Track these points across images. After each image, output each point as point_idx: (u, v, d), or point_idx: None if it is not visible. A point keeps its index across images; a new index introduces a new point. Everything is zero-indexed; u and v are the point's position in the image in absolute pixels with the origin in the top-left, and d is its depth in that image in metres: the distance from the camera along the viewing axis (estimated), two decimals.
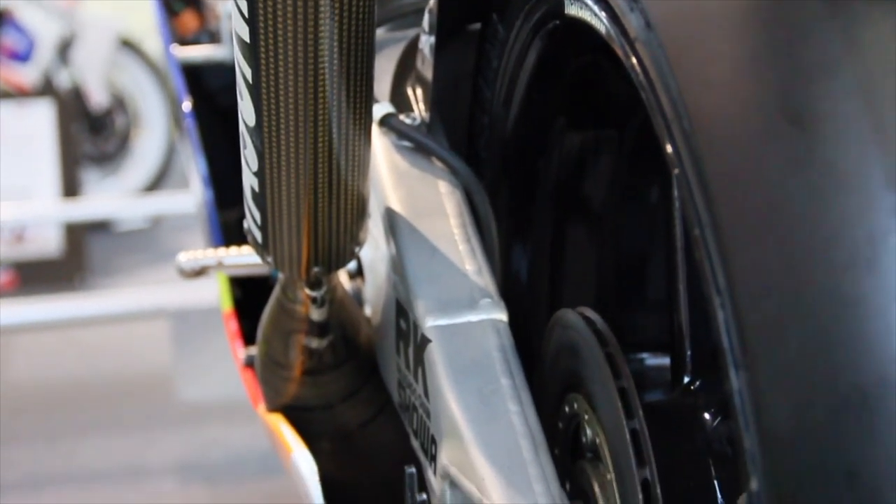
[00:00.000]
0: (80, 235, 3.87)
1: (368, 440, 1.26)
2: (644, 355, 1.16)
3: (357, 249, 1.10)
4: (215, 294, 2.69)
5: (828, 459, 0.65)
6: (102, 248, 4.31)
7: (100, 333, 3.35)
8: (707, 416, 0.94)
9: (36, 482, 2.70)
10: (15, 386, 3.20)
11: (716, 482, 0.92)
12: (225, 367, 2.80)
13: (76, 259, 3.86)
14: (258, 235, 1.09)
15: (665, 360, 1.11)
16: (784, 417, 0.67)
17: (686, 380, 0.98)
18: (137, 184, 4.47)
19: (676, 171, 0.75)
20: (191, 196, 2.87)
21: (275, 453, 2.74)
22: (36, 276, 3.77)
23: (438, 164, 1.16)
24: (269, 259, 1.09)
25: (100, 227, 4.37)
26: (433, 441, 1.04)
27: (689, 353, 0.98)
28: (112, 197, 4.28)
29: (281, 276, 1.17)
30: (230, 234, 1.67)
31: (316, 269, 1.09)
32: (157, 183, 4.50)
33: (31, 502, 2.61)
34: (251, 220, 1.09)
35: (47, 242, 3.83)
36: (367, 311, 1.26)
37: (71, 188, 3.85)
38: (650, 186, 1.12)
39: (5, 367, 3.27)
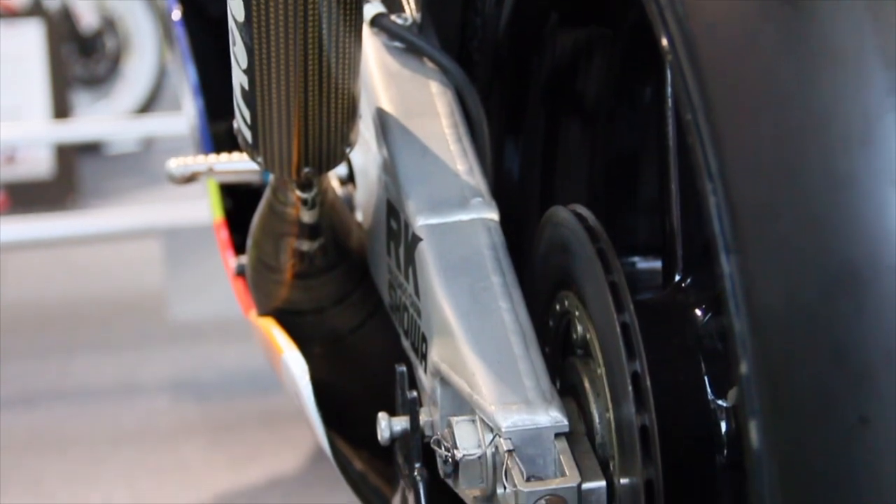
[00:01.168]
0: (71, 158, 3.86)
1: (359, 344, 1.26)
2: (636, 258, 1.16)
3: (348, 150, 1.09)
4: (207, 213, 2.69)
5: (817, 338, 0.65)
6: (93, 171, 4.30)
7: (92, 253, 3.34)
8: (698, 312, 0.94)
9: (28, 399, 2.70)
10: (7, 305, 3.20)
11: (706, 378, 0.92)
12: (217, 287, 2.81)
13: (67, 181, 3.85)
14: (248, 135, 1.08)
15: (657, 264, 1.11)
16: (774, 298, 0.67)
17: (677, 278, 0.98)
18: (128, 107, 4.45)
19: (670, 57, 0.74)
20: (182, 118, 2.86)
21: (267, 369, 2.74)
22: (27, 198, 3.76)
23: (430, 64, 1.15)
24: (259, 159, 1.08)
25: (91, 150, 4.35)
26: (424, 339, 1.04)
27: (680, 251, 0.98)
28: (103, 118, 4.27)
29: (272, 178, 1.17)
30: (221, 145, 1.67)
31: (306, 170, 1.08)
32: (148, 106, 4.48)
33: (24, 419, 2.62)
34: (241, 119, 1.08)
35: (38, 164, 3.81)
36: (359, 216, 1.26)
37: (62, 110, 3.83)
38: (643, 86, 1.12)
39: None
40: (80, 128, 3.54)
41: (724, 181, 0.70)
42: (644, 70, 1.11)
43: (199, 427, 2.59)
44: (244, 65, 1.03)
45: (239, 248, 1.52)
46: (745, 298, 0.68)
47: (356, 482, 1.23)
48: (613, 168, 1.14)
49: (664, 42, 0.75)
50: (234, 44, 1.03)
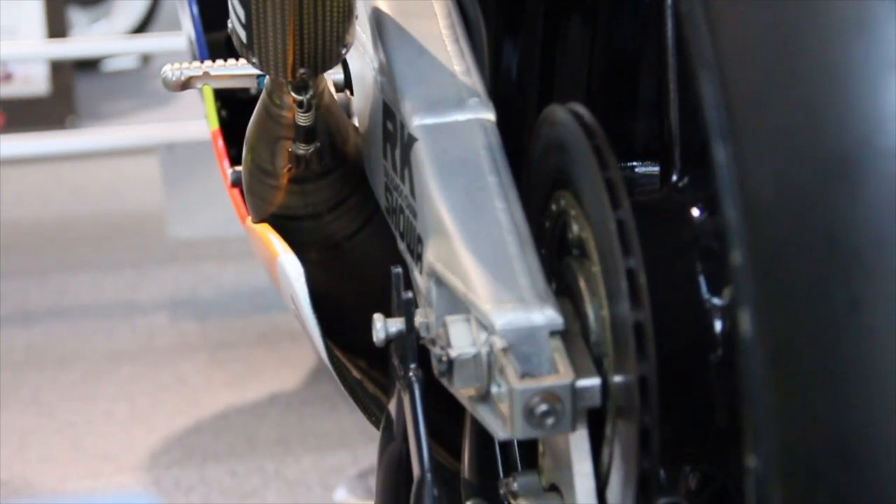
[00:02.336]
0: (68, 76, 3.84)
1: (356, 251, 1.26)
2: (634, 164, 1.15)
3: (344, 51, 1.08)
4: (206, 130, 2.68)
5: (809, 223, 0.65)
6: (91, 89, 4.28)
7: (89, 171, 3.34)
8: (695, 211, 0.94)
9: (27, 317, 2.71)
10: (5, 223, 3.20)
11: (702, 276, 0.91)
12: (216, 205, 2.80)
13: (64, 99, 3.83)
14: (243, 35, 1.07)
15: (655, 169, 1.11)
16: (768, 185, 0.67)
17: (675, 178, 0.98)
18: (126, 27, 4.43)
19: None
20: (180, 37, 2.84)
21: (266, 287, 2.75)
22: (24, 116, 3.75)
23: None
24: (255, 60, 1.07)
25: (88, 67, 4.33)
26: (419, 241, 1.03)
27: (678, 152, 0.98)
28: (100, 36, 4.24)
29: (267, 81, 1.16)
30: (217, 54, 1.65)
31: (302, 71, 1.07)
32: (145, 25, 4.45)
33: (23, 336, 2.62)
34: (235, 18, 1.07)
35: (35, 82, 3.80)
36: (356, 123, 1.25)
37: (58, 29, 3.81)
38: None
39: None
40: (76, 46, 3.52)
41: (719, 68, 0.70)
42: None
43: (198, 345, 2.60)
44: None
45: (235, 159, 1.51)
46: (739, 186, 0.68)
47: (353, 388, 1.23)
48: (613, 69, 1.13)
49: None
50: None
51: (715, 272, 0.91)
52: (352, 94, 1.28)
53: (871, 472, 0.63)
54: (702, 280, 0.91)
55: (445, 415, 1.11)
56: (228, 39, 1.12)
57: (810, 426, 0.65)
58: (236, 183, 1.41)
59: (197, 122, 2.82)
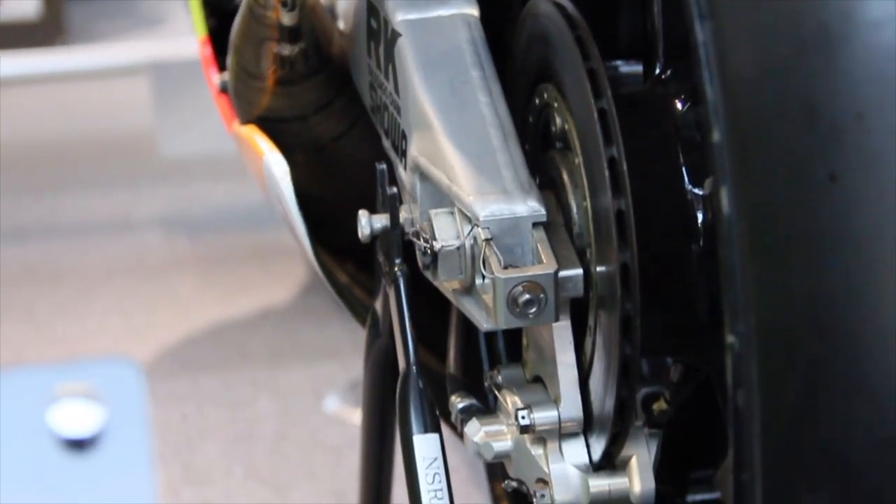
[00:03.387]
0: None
1: (341, 153, 1.26)
2: (618, 62, 1.15)
3: None
4: (196, 48, 2.67)
5: (788, 98, 0.65)
6: (82, 12, 4.25)
7: (80, 91, 3.33)
8: (677, 103, 0.94)
9: (20, 234, 2.71)
10: None
11: (684, 167, 0.92)
12: (207, 124, 2.80)
13: (55, 22, 3.81)
14: None
15: (638, 67, 1.11)
16: (747, 62, 0.67)
17: (657, 71, 0.98)
18: None
19: None
20: None
21: (258, 204, 2.75)
22: (14, 40, 3.73)
23: None
24: None
25: None
26: (403, 136, 1.04)
27: (661, 46, 0.98)
28: None
29: None
30: None
31: None
32: None
33: (16, 252, 2.63)
34: None
35: (25, 4, 3.77)
36: (341, 25, 1.25)
37: None
38: None
39: None
40: None
41: None
42: None
43: (191, 261, 2.60)
44: None
45: (222, 66, 1.51)
46: (718, 64, 0.68)
47: (340, 288, 1.24)
48: None
49: None
50: None
51: (696, 163, 0.91)
52: None
53: (847, 342, 0.64)
54: (683, 171, 0.92)
55: (430, 316, 1.12)
56: None
57: (788, 299, 0.65)
58: (224, 88, 1.41)
59: (187, 40, 2.80)
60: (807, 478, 0.66)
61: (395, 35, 1.02)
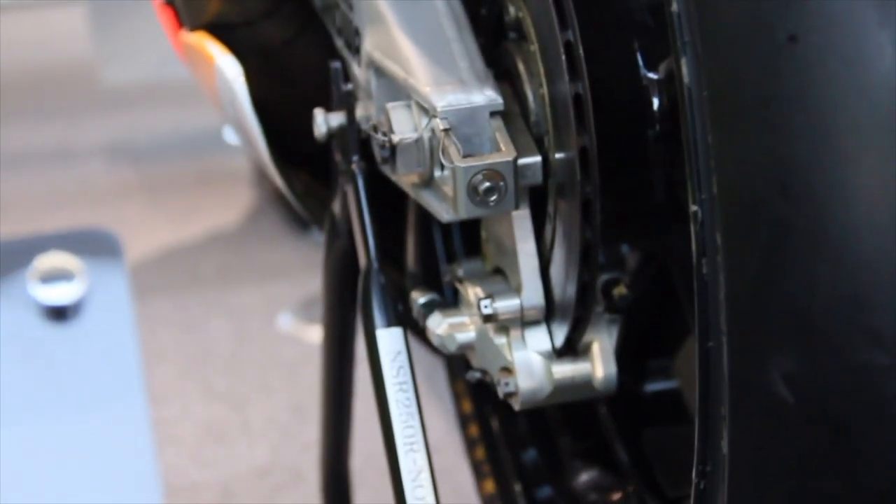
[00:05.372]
0: None
1: (292, 59, 1.26)
2: None
3: None
4: None
5: (769, 21, 0.65)
6: None
7: (15, 21, 3.28)
8: None
9: None
10: None
11: (638, 52, 0.92)
12: (147, 51, 2.77)
13: None
14: None
15: None
16: None
17: None
18: None
19: None
20: None
21: (202, 130, 2.73)
22: None
23: None
24: None
25: None
26: (356, 33, 1.03)
27: None
28: None
29: None
30: None
31: None
32: None
33: None
34: None
35: None
36: None
37: None
38: None
39: None
40: None
41: None
42: None
43: (136, 188, 2.59)
44: None
45: None
46: None
47: (297, 193, 1.23)
48: None
49: None
50: None
51: (650, 48, 0.92)
52: None
53: (810, 202, 0.65)
54: (638, 56, 0.92)
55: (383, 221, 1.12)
56: None
57: (750, 163, 0.66)
58: (169, 0, 1.40)
59: None
60: (773, 340, 0.67)
61: None
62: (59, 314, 0.44)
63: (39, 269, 0.44)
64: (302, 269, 2.21)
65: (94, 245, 0.46)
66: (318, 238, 2.26)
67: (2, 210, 2.49)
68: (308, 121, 1.10)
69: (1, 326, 0.44)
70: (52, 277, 0.45)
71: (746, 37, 0.66)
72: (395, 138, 0.93)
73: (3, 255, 0.45)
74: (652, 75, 0.91)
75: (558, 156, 0.90)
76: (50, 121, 2.89)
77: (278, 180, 1.20)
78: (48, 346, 0.44)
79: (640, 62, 0.92)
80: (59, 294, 0.44)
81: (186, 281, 2.20)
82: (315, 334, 1.97)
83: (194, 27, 1.24)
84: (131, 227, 2.42)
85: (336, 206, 1.11)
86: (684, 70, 0.69)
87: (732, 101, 0.67)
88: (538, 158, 0.91)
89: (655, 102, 0.91)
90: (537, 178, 0.92)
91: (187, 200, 2.53)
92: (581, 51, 0.86)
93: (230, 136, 2.64)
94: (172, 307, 2.10)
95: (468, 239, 1.12)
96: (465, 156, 0.90)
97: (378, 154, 0.96)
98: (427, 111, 0.92)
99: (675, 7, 0.69)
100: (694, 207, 0.69)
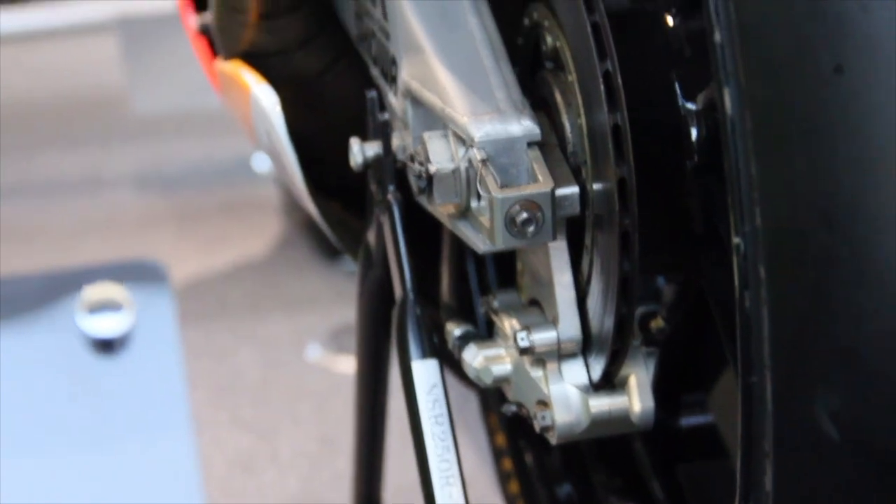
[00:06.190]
0: None
1: (327, 89, 1.26)
2: None
3: None
4: (164, 3, 2.64)
5: (814, 51, 0.64)
6: None
7: (48, 49, 3.30)
8: (668, 16, 0.93)
9: None
10: None
11: (676, 82, 0.91)
12: (178, 80, 2.78)
13: None
14: None
15: None
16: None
17: None
18: None
19: None
20: None
21: (232, 159, 2.74)
22: None
23: None
24: None
25: None
26: (393, 62, 1.03)
27: None
28: None
29: None
30: None
31: None
32: None
33: None
34: None
35: None
36: None
37: None
38: None
39: None
40: None
41: None
42: None
43: (166, 217, 2.59)
44: None
45: (198, 7, 1.50)
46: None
47: (332, 221, 1.23)
48: None
49: None
50: None
51: (688, 78, 0.91)
52: None
53: (856, 234, 0.64)
54: (676, 86, 0.91)
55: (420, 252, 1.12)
56: None
57: (795, 195, 0.65)
58: (204, 30, 1.40)
59: None
60: (818, 374, 0.66)
61: None
62: (106, 345, 0.44)
63: (87, 301, 0.44)
64: (331, 299, 2.21)
65: (141, 276, 0.46)
66: (347, 268, 2.27)
67: (34, 237, 2.49)
68: (342, 150, 1.10)
69: (49, 357, 0.44)
70: (99, 308, 0.45)
71: (791, 67, 0.65)
72: (433, 168, 0.93)
73: (51, 285, 0.45)
74: (690, 105, 0.90)
75: (596, 186, 0.90)
76: (81, 148, 2.90)
77: (312, 209, 1.19)
78: (96, 377, 0.44)
79: (679, 92, 0.91)
80: (107, 325, 0.44)
81: (216, 310, 2.20)
82: (344, 365, 1.97)
83: (229, 56, 1.24)
84: (160, 255, 2.42)
85: (371, 236, 1.11)
86: (727, 100, 0.68)
87: (776, 132, 0.66)
88: (576, 189, 0.91)
89: (694, 133, 0.90)
90: (575, 208, 0.91)
91: (216, 229, 2.53)
92: (620, 81, 0.86)
93: (259, 164, 2.64)
94: (201, 336, 2.10)
95: (502, 269, 1.12)
96: (503, 186, 0.89)
97: (415, 184, 0.95)
98: (464, 141, 0.92)
99: (717, 37, 0.69)
100: (736, 239, 0.69)
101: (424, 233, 1.11)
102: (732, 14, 0.67)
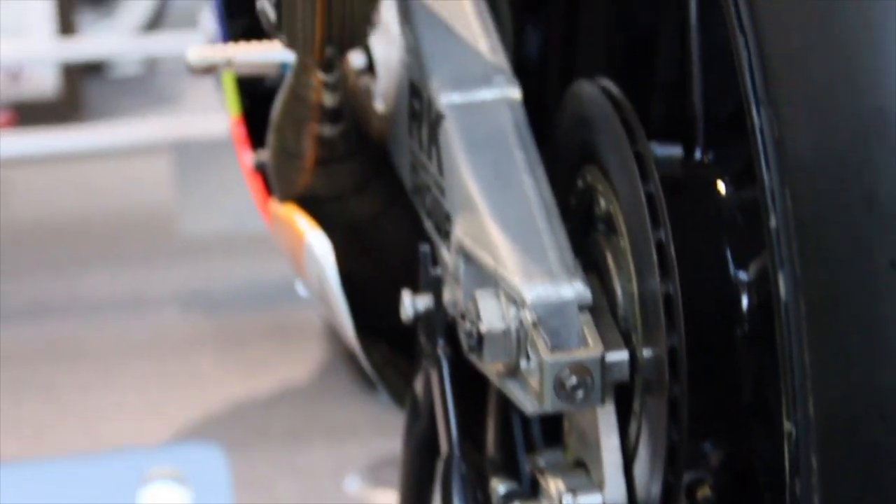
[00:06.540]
0: (76, 77, 3.85)
1: (380, 233, 1.27)
2: (653, 143, 1.16)
3: (369, 30, 1.10)
4: (216, 127, 2.68)
5: (848, 185, 0.65)
6: (98, 93, 4.29)
7: (100, 168, 3.35)
8: (720, 186, 0.94)
9: (39, 312, 2.72)
10: (15, 220, 3.21)
11: (728, 252, 0.92)
12: (226, 202, 2.81)
13: (73, 100, 3.84)
14: (272, 14, 1.08)
15: (675, 150, 1.11)
16: (806, 147, 0.67)
17: (698, 155, 0.98)
18: (134, 24, 4.42)
19: None
20: (190, 37, 2.85)
21: (277, 282, 2.75)
22: (33, 117, 3.75)
23: None
24: (283, 36, 1.09)
25: (95, 72, 4.34)
26: (447, 218, 1.04)
27: (701, 128, 0.98)
28: (111, 35, 4.25)
29: (293, 63, 1.17)
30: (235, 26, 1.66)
31: (329, 50, 1.09)
32: (155, 23, 4.45)
33: (36, 330, 2.64)
34: None
35: (44, 82, 3.80)
36: (378, 106, 1.26)
37: (67, 26, 3.82)
38: None
39: (5, 201, 3.28)
40: (86, 45, 3.53)
41: (755, 33, 0.71)
42: None
43: (210, 339, 2.61)
44: None
45: (255, 145, 1.52)
46: (776, 150, 0.69)
47: (380, 367, 1.24)
48: (635, 44, 1.13)
49: None
50: None
51: (741, 247, 0.92)
52: (374, 77, 1.29)
53: None
54: (728, 255, 0.92)
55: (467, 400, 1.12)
56: (247, 29, 1.14)
57: (849, 386, 0.65)
58: (259, 167, 1.42)
59: (206, 118, 2.83)
60: None
61: (440, 118, 1.03)
62: None
63: (147, 488, 0.44)
64: (371, 430, 2.20)
65: (200, 460, 0.46)
66: (388, 399, 2.27)
67: (76, 359, 2.52)
68: (393, 292, 1.11)
69: None
70: (159, 491, 0.45)
71: (846, 259, 0.65)
72: (483, 328, 0.93)
73: (112, 468, 0.45)
74: (742, 275, 0.91)
75: (646, 353, 0.90)
76: (129, 268, 2.93)
77: (358, 351, 1.20)
78: None
79: (730, 261, 0.92)
80: None
81: (256, 438, 2.20)
82: (382, 498, 1.96)
83: (284, 198, 1.26)
84: (202, 379, 2.44)
85: (418, 387, 1.11)
86: (781, 286, 0.69)
87: (831, 321, 0.66)
88: (626, 355, 0.91)
89: (745, 302, 0.91)
90: (624, 374, 0.91)
91: (259, 353, 2.54)
92: (673, 251, 0.86)
93: (303, 289, 2.66)
94: (241, 464, 2.10)
95: (549, 427, 1.12)
96: (553, 349, 0.90)
97: (465, 342, 0.96)
98: (515, 301, 0.93)
99: (773, 223, 0.69)
100: (788, 425, 0.69)
101: (473, 383, 1.11)
102: (789, 203, 0.67)
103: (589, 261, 0.99)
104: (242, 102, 1.58)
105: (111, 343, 2.58)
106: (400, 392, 1.23)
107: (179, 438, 2.19)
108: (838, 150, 0.66)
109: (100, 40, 3.90)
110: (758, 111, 0.70)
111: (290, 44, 1.09)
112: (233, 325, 2.67)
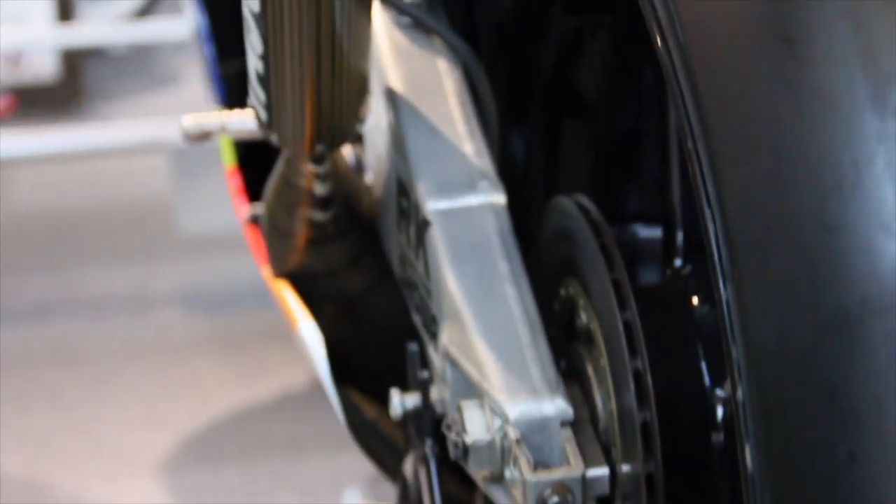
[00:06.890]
0: (76, 61, 3.86)
1: (371, 305, 1.30)
2: (637, 227, 1.18)
3: (359, 126, 1.12)
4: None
5: (809, 377, 0.69)
6: (98, 73, 4.30)
7: (100, 165, 3.36)
8: (696, 300, 0.97)
9: (39, 310, 2.75)
10: (15, 218, 3.23)
11: (704, 365, 0.95)
12: (226, 200, 2.83)
13: (73, 84, 3.85)
14: (263, 115, 1.11)
15: (657, 232, 1.14)
16: (768, 335, 0.71)
17: (678, 264, 1.01)
18: (129, 10, 4.43)
19: (672, 86, 0.77)
20: (184, 22, 2.86)
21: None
22: (33, 102, 3.77)
23: (438, 41, 1.17)
24: (274, 137, 1.11)
25: (94, 52, 4.35)
26: (434, 321, 1.07)
27: (681, 236, 1.01)
28: (108, 21, 4.25)
29: (284, 152, 1.20)
30: (231, 87, 1.69)
31: (319, 147, 1.11)
32: (149, 8, 4.45)
33: (35, 328, 2.67)
34: (256, 99, 1.11)
35: (43, 67, 3.82)
36: (369, 176, 1.29)
37: (65, 12, 3.83)
38: (644, 70, 1.14)
39: (5, 199, 3.30)
40: (83, 32, 3.54)
41: (721, 213, 0.73)
42: (645, 53, 1.14)
43: (209, 341, 2.64)
44: (259, 51, 1.06)
45: (251, 197, 1.55)
46: (741, 329, 0.72)
47: (366, 438, 1.27)
48: (617, 151, 1.16)
49: (665, 64, 0.78)
50: (250, 32, 1.06)
51: (716, 360, 0.95)
52: (362, 146, 1.31)
53: None
54: (704, 369, 0.95)
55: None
56: (241, 71, 1.16)
57: None
58: (254, 220, 1.45)
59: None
60: None
61: (426, 223, 1.06)
62: None
63: None
64: None
65: None
66: None
67: (77, 364, 2.55)
68: (383, 358, 1.14)
69: None
70: None
71: (808, 445, 0.69)
72: (469, 440, 0.96)
73: None
74: (719, 392, 0.94)
75: (625, 468, 0.93)
76: (128, 267, 2.95)
77: (353, 437, 1.24)
78: None
79: (706, 377, 0.95)
80: None
81: (256, 448, 2.24)
82: None
83: (279, 275, 1.29)
84: (201, 382, 2.47)
85: (408, 471, 1.15)
86: (748, 457, 0.72)
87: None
88: (606, 471, 0.94)
89: (720, 414, 0.94)
90: (604, 490, 0.94)
91: (258, 356, 2.57)
92: (650, 380, 0.90)
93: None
94: (241, 476, 2.14)
95: None
96: (536, 467, 0.93)
97: (452, 452, 0.99)
98: (499, 415, 0.96)
99: (740, 395, 0.72)
100: None
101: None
102: (753, 384, 0.71)
103: (571, 368, 1.02)
104: (237, 152, 1.61)
105: (113, 346, 2.62)
106: (385, 463, 1.26)
107: (180, 451, 2.23)
108: (799, 342, 0.69)
109: (98, 27, 3.91)
110: (724, 286, 0.73)
111: (282, 143, 1.12)
112: (233, 327, 2.70)
